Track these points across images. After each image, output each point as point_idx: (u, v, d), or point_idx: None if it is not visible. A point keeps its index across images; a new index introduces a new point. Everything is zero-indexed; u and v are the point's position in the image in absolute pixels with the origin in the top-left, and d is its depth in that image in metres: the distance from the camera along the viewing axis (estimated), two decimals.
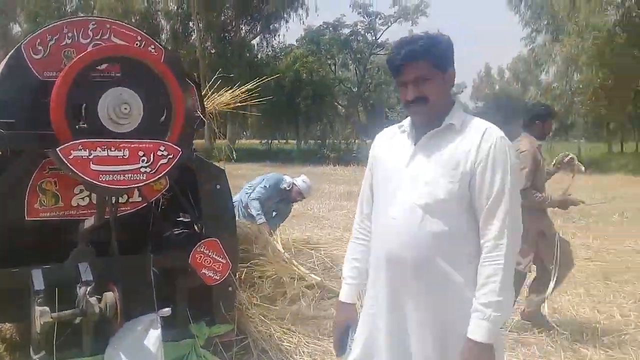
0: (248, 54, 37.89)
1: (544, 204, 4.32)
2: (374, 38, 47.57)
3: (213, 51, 36.09)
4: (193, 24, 36.79)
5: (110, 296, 2.80)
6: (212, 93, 4.44)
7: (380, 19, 45.92)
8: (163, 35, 37.82)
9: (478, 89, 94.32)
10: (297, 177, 6.51)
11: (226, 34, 37.32)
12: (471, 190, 1.82)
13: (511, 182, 1.80)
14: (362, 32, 46.40)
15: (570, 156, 4.76)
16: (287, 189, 6.35)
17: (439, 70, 1.86)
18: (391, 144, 2.02)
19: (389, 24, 46.40)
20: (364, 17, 45.50)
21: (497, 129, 1.88)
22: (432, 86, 1.84)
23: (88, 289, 2.78)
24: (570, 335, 4.32)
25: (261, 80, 4.79)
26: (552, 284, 4.37)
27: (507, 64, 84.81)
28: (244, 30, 38.77)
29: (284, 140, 51.99)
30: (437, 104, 1.87)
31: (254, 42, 40.48)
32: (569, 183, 4.78)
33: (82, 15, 28.26)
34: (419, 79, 1.84)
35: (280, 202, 6.44)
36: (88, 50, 2.86)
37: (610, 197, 14.41)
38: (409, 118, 1.98)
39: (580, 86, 29.59)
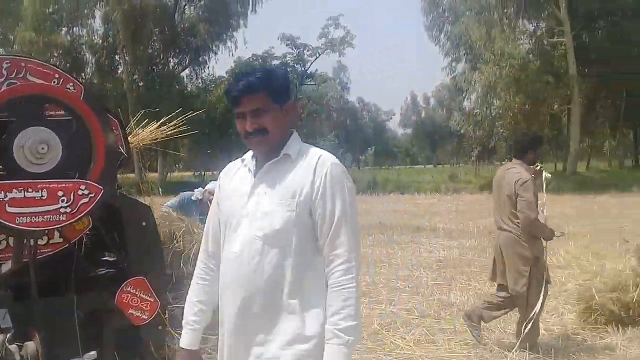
0: (177, 86, 37.53)
1: (541, 233, 4.51)
2: (303, 69, 48.31)
3: (141, 84, 35.49)
4: (119, 57, 36.11)
5: (31, 345, 2.68)
6: (139, 127, 4.39)
7: (308, 50, 46.83)
8: (88, 68, 36.90)
9: (405, 116, 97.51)
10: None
11: (154, 67, 36.88)
12: (313, 219, 1.82)
13: (350, 205, 1.83)
14: (292, 64, 47.06)
15: (539, 166, 4.84)
16: (200, 198, 6.32)
17: (277, 103, 1.87)
18: (235, 178, 2.00)
19: (317, 55, 47.35)
20: (292, 49, 46.26)
21: (331, 155, 1.90)
22: (269, 118, 1.85)
23: (7, 337, 2.66)
24: (498, 352, 4.51)
25: (190, 114, 4.79)
26: (539, 306, 4.45)
27: (432, 92, 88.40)
28: (172, 63, 38.50)
29: (217, 171, 51.33)
30: (276, 135, 1.87)
31: (183, 74, 40.24)
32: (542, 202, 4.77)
33: None
34: (258, 111, 1.84)
35: (202, 216, 6.30)
36: (1, 89, 2.78)
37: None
38: (250, 151, 1.98)
39: (500, 111, 31.17)
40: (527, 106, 29.32)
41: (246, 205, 1.87)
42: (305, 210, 1.81)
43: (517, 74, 28.02)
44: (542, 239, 4.55)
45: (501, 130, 34.96)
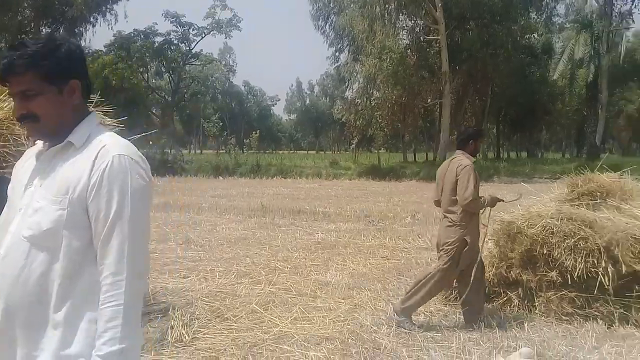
0: None
1: (482, 206, 4.89)
2: (188, 48, 46.90)
3: None
4: None
5: None
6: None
7: (194, 29, 45.54)
8: None
9: (290, 102, 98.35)
10: None
11: (23, 35, 33.82)
12: (90, 220, 1.55)
13: (131, 205, 1.55)
14: (176, 42, 45.50)
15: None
16: None
17: (52, 85, 1.57)
18: (25, 165, 1.69)
19: (203, 35, 46.20)
20: (177, 27, 44.74)
21: (121, 145, 1.62)
22: (40, 102, 1.56)
23: None
24: (367, 327, 4.81)
25: None
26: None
27: (317, 79, 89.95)
28: (44, 32, 35.53)
29: None
30: (49, 121, 1.58)
31: None
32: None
33: None
34: (25, 93, 1.55)
35: None
36: None
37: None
38: None
39: (379, 102, 32.50)
40: (404, 98, 30.86)
41: (22, 198, 1.61)
42: (79, 210, 1.54)
43: (395, 68, 29.36)
44: (483, 223, 5.05)
45: (379, 120, 36.54)
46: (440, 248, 4.95)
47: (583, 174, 6.11)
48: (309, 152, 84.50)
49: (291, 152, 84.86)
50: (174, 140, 53.26)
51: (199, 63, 55.05)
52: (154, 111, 53.61)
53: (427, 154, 43.82)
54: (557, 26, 36.03)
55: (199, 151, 71.72)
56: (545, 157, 47.21)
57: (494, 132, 47.49)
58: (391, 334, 4.69)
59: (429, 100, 33.99)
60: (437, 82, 31.54)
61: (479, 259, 4.94)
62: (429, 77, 32.29)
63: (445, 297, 5.64)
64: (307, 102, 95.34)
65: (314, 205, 15.14)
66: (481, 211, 5.00)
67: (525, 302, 5.26)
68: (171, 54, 46.75)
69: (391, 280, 6.67)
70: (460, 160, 4.90)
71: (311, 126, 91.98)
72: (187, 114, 68.82)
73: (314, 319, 5.07)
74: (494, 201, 4.98)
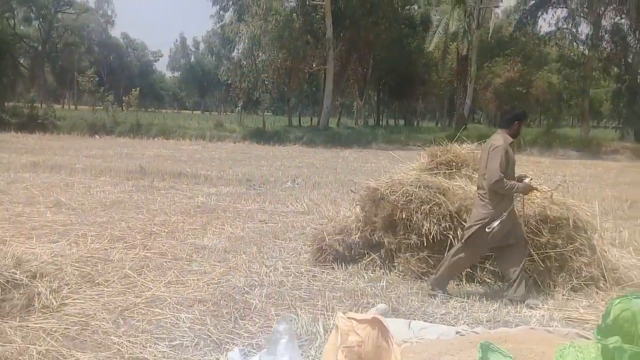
0: None
1: (511, 190, 4.84)
2: None
3: None
4: None
5: None
6: None
7: None
8: None
9: (174, 59, 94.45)
10: None
11: None
12: None
13: None
14: None
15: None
16: None
17: None
18: None
19: None
20: None
21: None
22: None
23: None
24: (240, 288, 5.03)
25: None
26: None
27: (202, 37, 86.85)
28: None
29: None
30: None
31: None
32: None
33: None
34: None
35: None
36: None
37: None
38: None
39: (264, 65, 32.30)
40: (288, 62, 30.95)
41: None
42: None
43: (281, 31, 29.24)
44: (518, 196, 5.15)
45: (266, 82, 36.40)
46: (469, 224, 5.00)
47: (442, 145, 6.64)
48: (193, 112, 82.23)
49: (175, 111, 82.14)
50: (44, 94, 49.41)
51: (73, 11, 51.12)
52: (21, 61, 49.16)
53: (311, 119, 44.49)
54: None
55: (74, 107, 67.14)
56: (421, 126, 49.90)
57: (375, 99, 49.24)
58: (263, 294, 4.94)
59: (314, 65, 34.37)
60: (322, 48, 31.93)
61: (518, 241, 4.98)
62: (314, 43, 32.57)
63: (316, 259, 5.99)
64: (192, 59, 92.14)
65: (196, 168, 15.00)
66: (515, 196, 5.07)
67: (387, 262, 5.75)
68: (41, 0, 42.95)
69: (267, 243, 6.91)
70: (495, 140, 4.92)
71: (196, 85, 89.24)
72: (60, 66, 63.91)
73: (188, 282, 5.19)
74: (527, 189, 5.01)
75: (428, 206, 5.47)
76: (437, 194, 5.55)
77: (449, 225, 5.39)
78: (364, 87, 40.67)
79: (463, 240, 5.00)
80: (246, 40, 29.96)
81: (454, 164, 6.40)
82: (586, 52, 29.12)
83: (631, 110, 27.75)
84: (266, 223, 8.19)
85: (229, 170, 14.55)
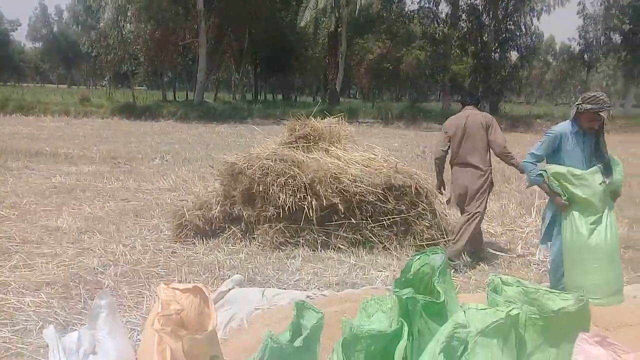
0: None
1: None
2: None
3: None
4: None
5: None
6: None
7: None
8: None
9: (34, 28, 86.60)
10: None
11: None
12: None
13: None
14: None
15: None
16: None
17: None
18: None
19: None
20: None
21: None
22: None
23: None
24: (92, 269, 4.91)
25: None
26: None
27: (67, 4, 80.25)
28: None
29: None
30: None
31: None
32: None
33: None
34: None
35: None
36: None
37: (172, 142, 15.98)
38: None
39: (132, 37, 30.75)
40: (157, 34, 29.70)
41: None
42: None
43: (148, 1, 27.91)
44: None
45: (139, 55, 34.67)
46: (476, 195, 5.25)
47: (300, 119, 6.85)
48: (59, 86, 76.31)
49: (38, 85, 75.81)
50: None
51: None
52: None
53: (187, 94, 43.28)
54: None
55: None
56: (299, 101, 50.46)
57: (252, 74, 48.85)
58: (117, 273, 4.85)
59: (188, 38, 33.30)
60: (193, 20, 30.96)
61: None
62: (184, 14, 31.49)
63: (177, 236, 5.97)
64: (55, 29, 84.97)
65: (55, 146, 14.11)
66: None
67: (247, 235, 5.88)
68: None
69: (127, 222, 6.74)
70: (484, 115, 5.38)
71: (60, 57, 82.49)
72: None
73: (35, 266, 4.96)
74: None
75: (283, 179, 5.66)
76: (292, 167, 5.75)
77: (304, 196, 5.61)
78: (240, 61, 40.15)
79: (481, 208, 5.31)
80: (111, 10, 28.20)
81: (311, 137, 6.64)
82: (446, 30, 31.08)
83: (486, 85, 30.16)
84: (128, 201, 7.97)
85: (92, 148, 13.85)
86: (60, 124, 22.74)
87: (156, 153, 13.31)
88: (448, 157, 5.51)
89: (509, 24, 30.35)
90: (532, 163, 4.23)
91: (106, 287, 4.48)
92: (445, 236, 5.85)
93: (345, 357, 1.84)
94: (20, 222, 6.48)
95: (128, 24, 30.15)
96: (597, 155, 3.99)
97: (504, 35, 30.33)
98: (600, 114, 3.88)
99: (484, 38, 30.44)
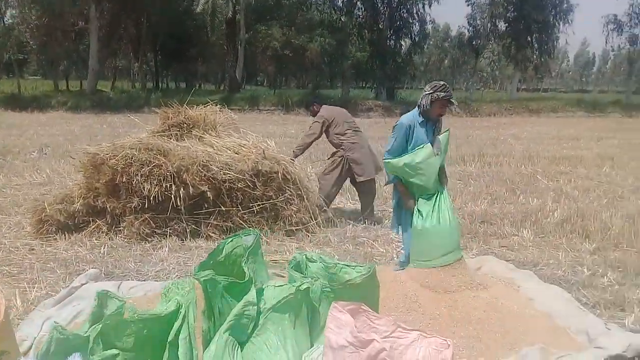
0: None
1: None
2: None
3: None
4: None
5: None
6: None
7: None
8: None
9: None
10: None
11: None
12: None
13: None
14: None
15: None
16: None
17: None
18: None
19: None
20: None
21: None
22: None
23: None
24: None
25: None
26: None
27: None
28: None
29: None
30: None
31: None
32: None
33: None
34: None
35: None
36: None
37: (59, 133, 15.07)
38: None
39: (14, 22, 28.71)
40: (44, 20, 27.92)
41: None
42: None
43: None
44: None
45: (29, 42, 32.37)
46: None
47: (173, 107, 6.71)
48: None
49: None
50: None
51: None
52: None
53: (81, 83, 41.06)
54: None
55: None
56: (203, 89, 49.37)
57: (152, 62, 47.17)
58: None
59: (81, 23, 31.51)
60: (83, 5, 29.33)
61: None
62: None
63: (37, 232, 5.69)
64: None
65: None
66: None
67: (113, 227, 5.71)
68: None
69: None
70: None
71: None
72: None
73: None
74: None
75: (148, 168, 5.53)
76: (158, 156, 5.63)
77: (170, 185, 5.52)
78: (138, 48, 38.58)
79: None
80: None
81: (185, 125, 6.54)
82: (343, 18, 31.57)
83: (383, 72, 31.00)
84: None
85: None
86: None
87: (36, 146, 12.56)
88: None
89: (403, 12, 31.31)
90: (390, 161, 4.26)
91: None
92: (313, 219, 5.98)
93: (104, 342, 1.83)
94: None
95: (10, 9, 28.05)
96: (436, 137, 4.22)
97: (397, 23, 31.25)
98: (452, 100, 4.10)
99: (380, 26, 31.22)
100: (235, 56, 32.17)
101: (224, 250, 2.49)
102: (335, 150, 6.55)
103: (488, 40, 36.23)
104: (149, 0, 31.75)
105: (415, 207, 4.14)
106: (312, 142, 6.61)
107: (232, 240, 2.53)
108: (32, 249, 5.35)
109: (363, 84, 53.28)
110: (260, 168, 5.78)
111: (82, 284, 4.32)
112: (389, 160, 4.18)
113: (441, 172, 4.22)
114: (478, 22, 35.86)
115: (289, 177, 5.88)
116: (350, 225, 6.31)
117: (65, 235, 5.65)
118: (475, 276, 4.15)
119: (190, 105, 6.99)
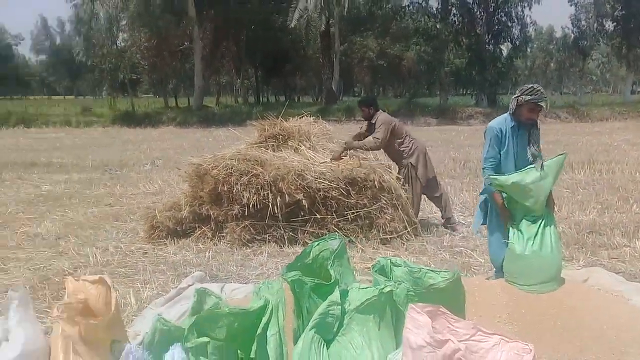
0: None
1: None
2: None
3: None
4: None
5: None
6: None
7: None
8: None
9: (38, 41, 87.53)
10: None
11: None
12: None
13: None
14: None
15: None
16: None
17: None
18: None
19: None
20: None
21: None
22: None
23: None
24: (62, 271, 5.12)
25: None
26: None
27: (68, 16, 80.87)
28: None
29: None
30: None
31: None
32: None
33: None
34: None
35: None
36: None
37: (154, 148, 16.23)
38: None
39: (126, 45, 31.10)
40: (153, 42, 30.04)
41: None
42: None
43: (139, 9, 28.21)
44: None
45: (141, 62, 35.00)
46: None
47: (270, 119, 7.02)
48: (65, 97, 77.19)
49: (45, 97, 76.71)
50: None
51: None
52: None
53: (189, 100, 43.64)
54: None
55: None
56: (301, 102, 50.69)
57: (254, 77, 49.15)
58: (85, 274, 5.05)
59: (186, 43, 33.60)
60: (186, 27, 31.26)
61: None
62: (176, 21, 31.81)
63: (150, 237, 6.18)
64: (58, 41, 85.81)
65: (51, 156, 14.43)
66: None
67: (217, 233, 6.07)
68: None
69: (105, 226, 6.95)
70: None
71: (65, 69, 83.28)
72: None
73: (9, 270, 5.19)
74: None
75: (247, 177, 5.83)
76: (255, 166, 5.92)
77: (267, 194, 5.78)
78: (239, 65, 40.41)
79: None
80: (103, 20, 28.52)
81: (280, 136, 6.83)
82: (438, 25, 31.12)
83: (483, 78, 30.15)
84: (111, 206, 8.19)
85: (87, 157, 14.13)
86: (60, 134, 23.14)
87: (148, 159, 13.55)
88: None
89: (501, 16, 30.32)
90: (491, 168, 4.11)
91: None
92: (407, 227, 5.99)
93: (198, 332, 2.01)
94: (2, 230, 6.72)
95: (121, 33, 30.53)
96: (531, 147, 4.06)
97: (496, 27, 30.31)
98: (540, 104, 3.97)
99: (477, 31, 30.45)
100: (331, 68, 32.75)
101: (311, 253, 2.63)
102: (398, 161, 6.53)
103: (595, 41, 34.14)
104: (248, 19, 33.14)
105: (516, 228, 3.96)
106: (374, 149, 6.49)
107: (318, 244, 2.66)
108: (145, 253, 5.82)
109: (463, 91, 52.03)
110: (355, 175, 5.89)
111: (189, 285, 4.65)
112: (496, 177, 3.97)
113: (549, 195, 4.01)
114: (583, 22, 33.95)
115: (384, 185, 5.93)
116: (448, 235, 6.26)
117: (174, 240, 6.09)
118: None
119: (286, 117, 7.29)
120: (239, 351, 1.92)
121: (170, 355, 2.05)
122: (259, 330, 2.00)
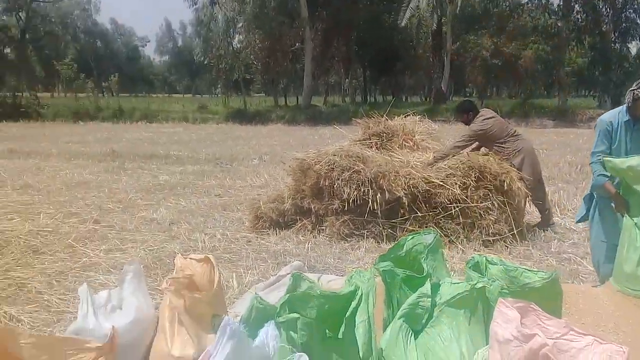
0: None
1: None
2: None
3: None
4: None
5: None
6: None
7: None
8: None
9: (161, 43, 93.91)
10: None
11: None
12: None
13: None
14: None
15: None
16: None
17: None
18: None
19: None
20: None
21: None
22: None
23: None
24: (173, 253, 5.48)
25: None
26: None
27: (190, 19, 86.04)
28: None
29: None
30: None
31: None
32: None
33: None
34: None
35: None
36: None
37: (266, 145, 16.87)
38: None
39: (242, 46, 32.47)
40: (267, 43, 31.13)
41: None
42: None
43: (255, 12, 29.37)
44: None
45: (255, 63, 36.50)
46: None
47: (373, 118, 7.07)
48: (184, 96, 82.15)
49: (166, 95, 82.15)
50: (32, 82, 49.41)
51: (50, 0, 51.20)
52: (7, 52, 49.19)
53: (297, 99, 44.77)
54: None
55: (63, 94, 67.13)
56: (409, 101, 50.19)
57: (362, 77, 49.42)
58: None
59: (297, 44, 34.52)
60: (298, 28, 32.07)
61: None
62: (289, 22, 32.73)
63: (254, 227, 6.45)
64: (180, 43, 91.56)
65: (169, 149, 15.41)
66: None
67: (317, 226, 6.21)
68: None
69: (214, 214, 7.35)
70: None
71: (186, 69, 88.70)
72: (46, 54, 63.72)
73: (127, 250, 5.65)
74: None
75: (348, 173, 5.91)
76: (357, 162, 5.99)
77: (367, 190, 5.82)
78: (348, 65, 40.81)
79: None
80: (221, 23, 30.02)
81: (384, 134, 6.85)
82: (559, 22, 29.41)
83: (607, 78, 28.14)
84: (220, 197, 8.62)
85: (201, 151, 14.95)
86: (178, 129, 24.64)
87: (256, 154, 14.09)
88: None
89: (630, 12, 28.13)
90: (598, 162, 4.00)
91: None
92: (514, 229, 5.76)
93: (290, 309, 2.07)
94: (123, 214, 7.32)
95: (237, 35, 31.95)
96: None
97: (623, 25, 28.12)
98: None
99: (602, 28, 28.43)
100: (442, 68, 32.11)
101: (405, 246, 2.63)
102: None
103: None
104: (358, 19, 33.34)
105: (634, 222, 3.64)
106: (455, 153, 6.26)
107: (412, 238, 2.66)
108: (249, 241, 6.08)
109: (585, 92, 48.83)
110: (488, 168, 5.76)
111: (288, 274, 4.82)
112: (610, 159, 3.74)
113: None
114: None
115: (513, 187, 5.72)
116: (556, 240, 5.95)
117: (276, 230, 6.31)
118: None
119: (391, 116, 7.28)
120: (327, 330, 1.98)
121: (264, 331, 2.16)
122: (347, 313, 2.05)
